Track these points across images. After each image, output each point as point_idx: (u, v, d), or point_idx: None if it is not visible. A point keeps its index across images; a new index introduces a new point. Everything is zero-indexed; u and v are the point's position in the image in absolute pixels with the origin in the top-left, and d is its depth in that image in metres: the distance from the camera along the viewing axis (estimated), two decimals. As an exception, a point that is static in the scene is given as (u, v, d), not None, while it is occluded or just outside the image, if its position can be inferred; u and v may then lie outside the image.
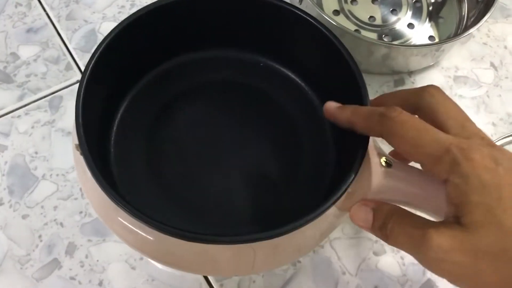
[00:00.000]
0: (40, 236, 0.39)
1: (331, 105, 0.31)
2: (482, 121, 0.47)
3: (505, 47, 0.51)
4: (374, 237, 0.41)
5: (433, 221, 0.26)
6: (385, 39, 0.48)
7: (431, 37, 0.49)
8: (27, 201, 0.40)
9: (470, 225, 0.23)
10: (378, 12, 0.50)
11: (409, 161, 0.31)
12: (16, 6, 0.48)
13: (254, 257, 0.30)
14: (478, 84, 0.49)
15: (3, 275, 0.37)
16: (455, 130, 0.26)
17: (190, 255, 0.30)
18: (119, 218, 0.30)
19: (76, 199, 0.40)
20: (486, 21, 0.43)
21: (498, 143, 0.44)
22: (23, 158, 0.42)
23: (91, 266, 0.38)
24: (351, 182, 0.28)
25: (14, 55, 0.46)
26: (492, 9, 0.43)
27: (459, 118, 0.27)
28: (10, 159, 0.41)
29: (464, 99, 0.48)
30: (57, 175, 0.41)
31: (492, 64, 0.50)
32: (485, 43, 0.51)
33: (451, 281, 0.25)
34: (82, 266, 0.38)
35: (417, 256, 0.25)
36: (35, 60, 0.46)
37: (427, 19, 0.50)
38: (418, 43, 0.49)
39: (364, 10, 0.50)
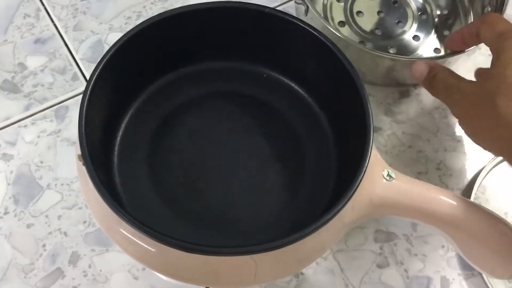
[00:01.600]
0: (44, 245, 0.39)
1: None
2: (488, 133, 0.47)
3: (511, 59, 0.51)
4: (378, 250, 0.40)
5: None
6: (391, 51, 0.48)
7: (436, 49, 0.49)
8: (32, 210, 0.40)
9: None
10: (383, 24, 0.50)
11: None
12: (24, 17, 0.49)
13: (255, 268, 0.30)
14: (483, 96, 0.49)
15: (7, 284, 0.37)
16: None
17: (191, 266, 0.30)
18: (121, 229, 0.30)
19: (80, 208, 0.40)
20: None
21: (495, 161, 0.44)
22: (28, 167, 0.42)
23: (94, 275, 0.38)
24: (351, 195, 0.28)
25: (22, 66, 0.46)
26: None
27: None
28: (16, 168, 0.42)
29: (470, 110, 0.48)
30: (62, 184, 0.41)
31: (498, 76, 0.50)
32: (490, 55, 0.51)
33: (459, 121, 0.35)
34: (85, 276, 0.38)
35: (448, 101, 0.36)
36: (42, 71, 0.46)
37: (433, 31, 0.50)
38: (424, 55, 0.49)
39: (369, 22, 0.50)
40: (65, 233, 0.40)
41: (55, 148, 0.43)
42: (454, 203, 0.32)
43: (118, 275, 0.38)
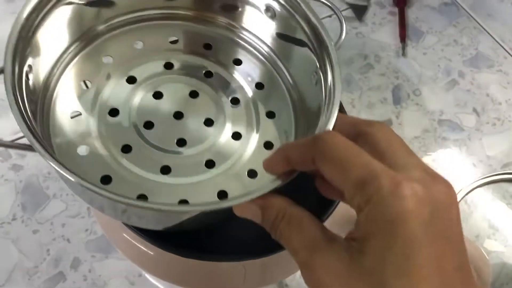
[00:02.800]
0: (48, 250, 0.42)
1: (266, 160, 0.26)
2: (463, 162, 0.51)
3: (487, 95, 0.55)
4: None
5: (326, 236, 0.22)
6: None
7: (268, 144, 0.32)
8: (38, 217, 0.43)
9: (369, 257, 0.20)
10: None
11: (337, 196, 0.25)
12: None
13: (245, 274, 0.33)
14: (460, 128, 0.53)
15: (12, 285, 0.40)
16: (395, 161, 0.22)
17: (185, 270, 0.33)
18: (124, 234, 0.33)
19: (83, 217, 0.44)
20: (470, 70, 0.47)
21: (477, 183, 0.48)
22: (37, 177, 0.45)
23: (93, 280, 0.41)
24: (330, 213, 0.32)
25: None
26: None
27: (402, 150, 0.22)
28: (25, 178, 0.45)
29: (447, 141, 0.52)
30: (67, 194, 0.45)
31: (474, 110, 0.54)
32: (468, 90, 0.56)
33: None
34: (85, 280, 0.41)
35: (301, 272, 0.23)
36: (53, 89, 0.50)
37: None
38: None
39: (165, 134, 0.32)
40: (68, 240, 0.43)
41: (62, 161, 0.46)
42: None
43: (115, 280, 0.41)
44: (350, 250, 0.21)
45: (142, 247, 0.33)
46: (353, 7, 0.59)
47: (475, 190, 0.48)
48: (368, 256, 0.20)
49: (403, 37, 0.57)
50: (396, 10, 0.60)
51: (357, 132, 0.24)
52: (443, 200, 0.20)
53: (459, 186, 0.48)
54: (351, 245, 0.21)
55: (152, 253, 0.33)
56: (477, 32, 0.60)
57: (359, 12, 0.58)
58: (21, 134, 0.47)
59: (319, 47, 0.32)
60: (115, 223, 0.32)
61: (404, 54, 0.57)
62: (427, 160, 0.50)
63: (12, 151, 0.46)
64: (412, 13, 0.60)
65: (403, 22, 0.58)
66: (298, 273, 0.41)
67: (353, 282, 0.20)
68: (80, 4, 0.33)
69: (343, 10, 0.58)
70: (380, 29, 0.58)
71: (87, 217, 0.44)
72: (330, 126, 0.27)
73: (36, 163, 0.46)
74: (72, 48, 0.34)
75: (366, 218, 0.20)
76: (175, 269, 0.33)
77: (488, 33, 0.60)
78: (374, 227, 0.20)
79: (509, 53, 0.59)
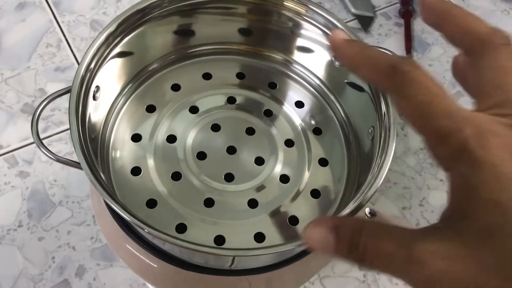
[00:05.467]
0: (53, 258, 0.42)
1: (339, 35, 0.24)
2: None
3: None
4: (361, 277, 0.44)
5: (416, 230, 0.19)
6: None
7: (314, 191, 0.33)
8: (44, 224, 0.44)
9: (476, 231, 0.18)
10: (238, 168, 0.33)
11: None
12: (47, 47, 0.53)
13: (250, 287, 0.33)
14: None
15: (17, 292, 0.41)
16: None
17: (189, 283, 0.33)
18: (127, 246, 0.33)
19: (88, 225, 0.44)
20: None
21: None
22: (43, 184, 0.45)
23: (98, 288, 0.41)
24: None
25: (42, 91, 0.51)
26: None
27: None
28: (31, 185, 0.45)
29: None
30: (73, 202, 0.45)
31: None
32: (474, 102, 0.55)
33: None
34: (89, 288, 0.41)
35: (406, 278, 0.19)
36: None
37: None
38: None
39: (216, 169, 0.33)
40: (73, 247, 0.43)
41: (68, 168, 0.46)
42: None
43: (120, 289, 0.41)
44: (453, 228, 0.18)
45: (145, 259, 0.33)
46: (359, 18, 0.59)
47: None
48: (475, 230, 0.18)
49: (408, 48, 0.57)
50: (402, 21, 0.60)
51: (473, 46, 0.22)
52: None
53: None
54: (452, 224, 0.19)
55: (155, 266, 0.33)
56: (484, 43, 0.60)
57: (365, 23, 0.58)
58: (28, 141, 0.47)
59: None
60: (118, 234, 0.32)
61: (410, 65, 0.57)
62: (432, 172, 0.50)
63: (18, 158, 0.46)
64: (418, 25, 0.60)
65: (408, 33, 0.58)
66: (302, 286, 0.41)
67: (475, 256, 0.18)
68: (166, 32, 0.35)
69: (349, 21, 0.58)
70: (386, 40, 0.58)
71: (92, 225, 0.44)
72: (384, 171, 0.29)
73: (43, 169, 0.46)
74: (138, 77, 0.36)
75: (459, 186, 0.18)
76: (178, 282, 0.33)
77: (495, 46, 0.60)
78: (470, 199, 0.18)
79: (515, 65, 0.58)
